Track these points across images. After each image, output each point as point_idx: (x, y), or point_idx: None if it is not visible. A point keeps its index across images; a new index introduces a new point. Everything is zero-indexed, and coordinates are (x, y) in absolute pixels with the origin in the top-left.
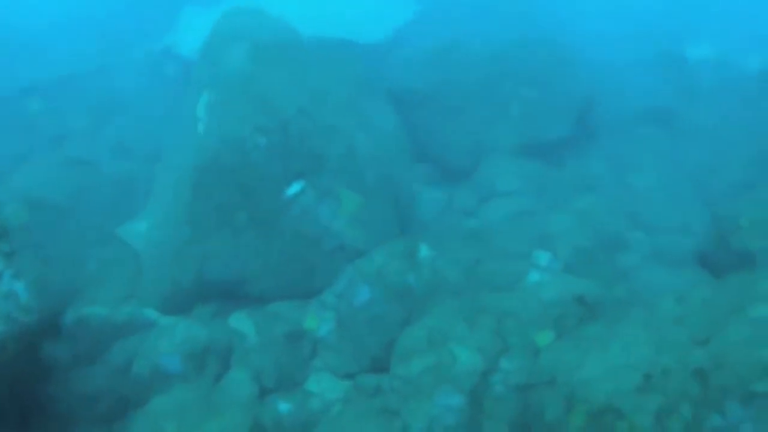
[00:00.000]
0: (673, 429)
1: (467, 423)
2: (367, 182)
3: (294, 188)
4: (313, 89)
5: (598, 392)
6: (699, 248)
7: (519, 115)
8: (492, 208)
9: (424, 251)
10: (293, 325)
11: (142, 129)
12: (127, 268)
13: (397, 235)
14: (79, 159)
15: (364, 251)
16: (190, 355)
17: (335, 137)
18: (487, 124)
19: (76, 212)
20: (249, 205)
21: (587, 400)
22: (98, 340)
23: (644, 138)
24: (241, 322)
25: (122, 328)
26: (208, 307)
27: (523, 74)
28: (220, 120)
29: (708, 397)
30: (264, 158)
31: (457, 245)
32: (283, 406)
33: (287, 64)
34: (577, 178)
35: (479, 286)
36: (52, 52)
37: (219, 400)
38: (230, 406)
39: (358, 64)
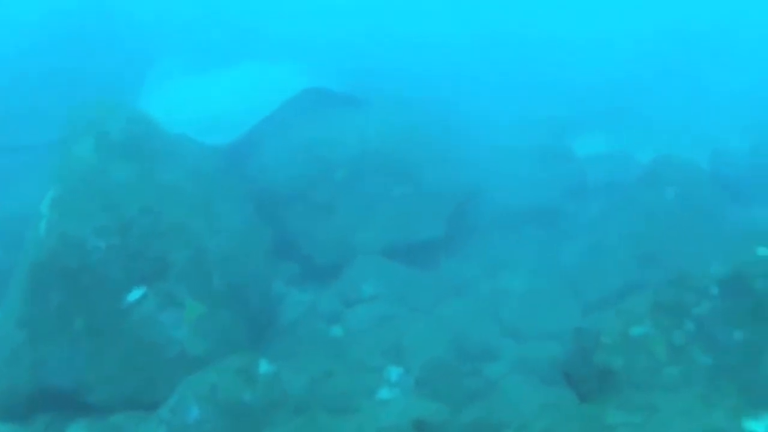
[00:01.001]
0: None
1: None
2: (215, 287)
3: (134, 294)
4: (162, 186)
5: None
6: (564, 361)
7: (389, 213)
8: (355, 315)
9: (264, 366)
10: None
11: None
12: None
13: (247, 343)
14: None
15: (208, 361)
16: None
17: (181, 239)
18: (357, 223)
19: None
20: (87, 310)
21: None
22: None
23: (524, 238)
24: None
25: None
26: (46, 415)
27: (396, 170)
28: (61, 218)
29: None
30: (104, 261)
31: (312, 356)
32: None
33: (136, 159)
34: (449, 282)
35: (323, 405)
36: None
37: None
38: None
39: (215, 159)
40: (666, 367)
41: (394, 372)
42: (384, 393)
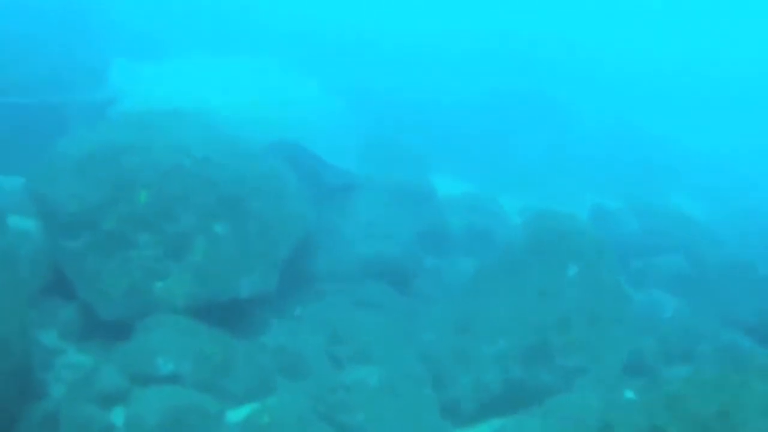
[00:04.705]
0: None
1: None
2: None
3: None
4: None
5: None
6: None
7: (203, 258)
8: (144, 402)
9: None
10: None
11: None
12: None
13: None
14: None
15: None
16: None
17: None
18: (159, 266)
19: None
20: None
21: None
22: None
23: (373, 299)
24: None
25: None
26: None
27: (218, 200)
28: None
29: None
30: None
31: None
32: None
33: None
34: (278, 357)
35: None
36: None
37: None
38: None
39: None
40: None
41: None
42: None
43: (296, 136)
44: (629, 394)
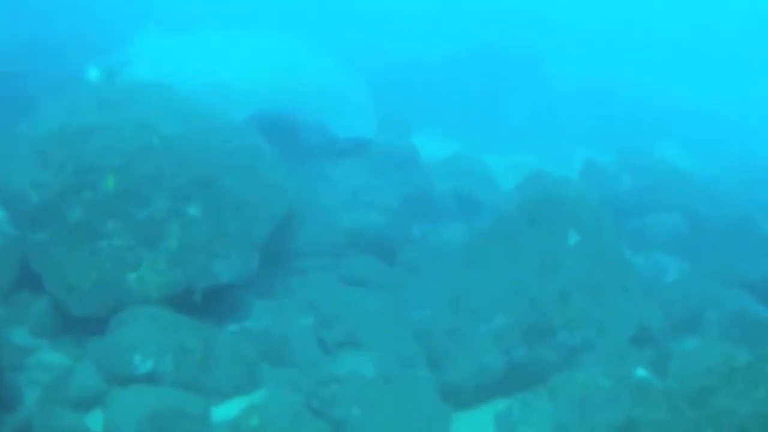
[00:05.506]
0: None
1: None
2: None
3: None
4: None
5: None
6: None
7: (178, 244)
8: (122, 405)
9: None
10: None
11: None
12: None
13: None
14: None
15: None
16: None
17: None
18: (129, 257)
19: None
20: None
21: None
22: None
23: (362, 275)
24: None
25: None
26: None
27: (191, 180)
28: None
29: None
30: None
31: None
32: None
33: None
34: (262, 344)
35: None
36: None
37: None
38: None
39: None
40: None
41: None
42: None
43: (300, 105)
44: (641, 372)
